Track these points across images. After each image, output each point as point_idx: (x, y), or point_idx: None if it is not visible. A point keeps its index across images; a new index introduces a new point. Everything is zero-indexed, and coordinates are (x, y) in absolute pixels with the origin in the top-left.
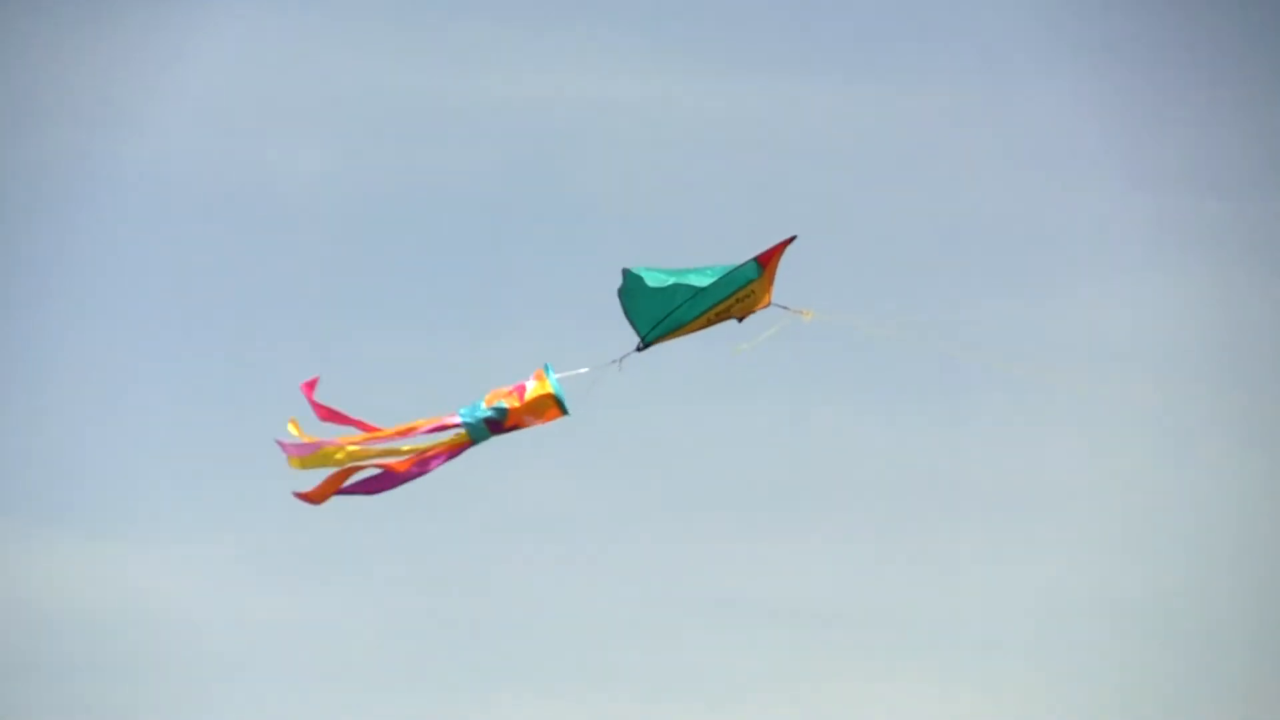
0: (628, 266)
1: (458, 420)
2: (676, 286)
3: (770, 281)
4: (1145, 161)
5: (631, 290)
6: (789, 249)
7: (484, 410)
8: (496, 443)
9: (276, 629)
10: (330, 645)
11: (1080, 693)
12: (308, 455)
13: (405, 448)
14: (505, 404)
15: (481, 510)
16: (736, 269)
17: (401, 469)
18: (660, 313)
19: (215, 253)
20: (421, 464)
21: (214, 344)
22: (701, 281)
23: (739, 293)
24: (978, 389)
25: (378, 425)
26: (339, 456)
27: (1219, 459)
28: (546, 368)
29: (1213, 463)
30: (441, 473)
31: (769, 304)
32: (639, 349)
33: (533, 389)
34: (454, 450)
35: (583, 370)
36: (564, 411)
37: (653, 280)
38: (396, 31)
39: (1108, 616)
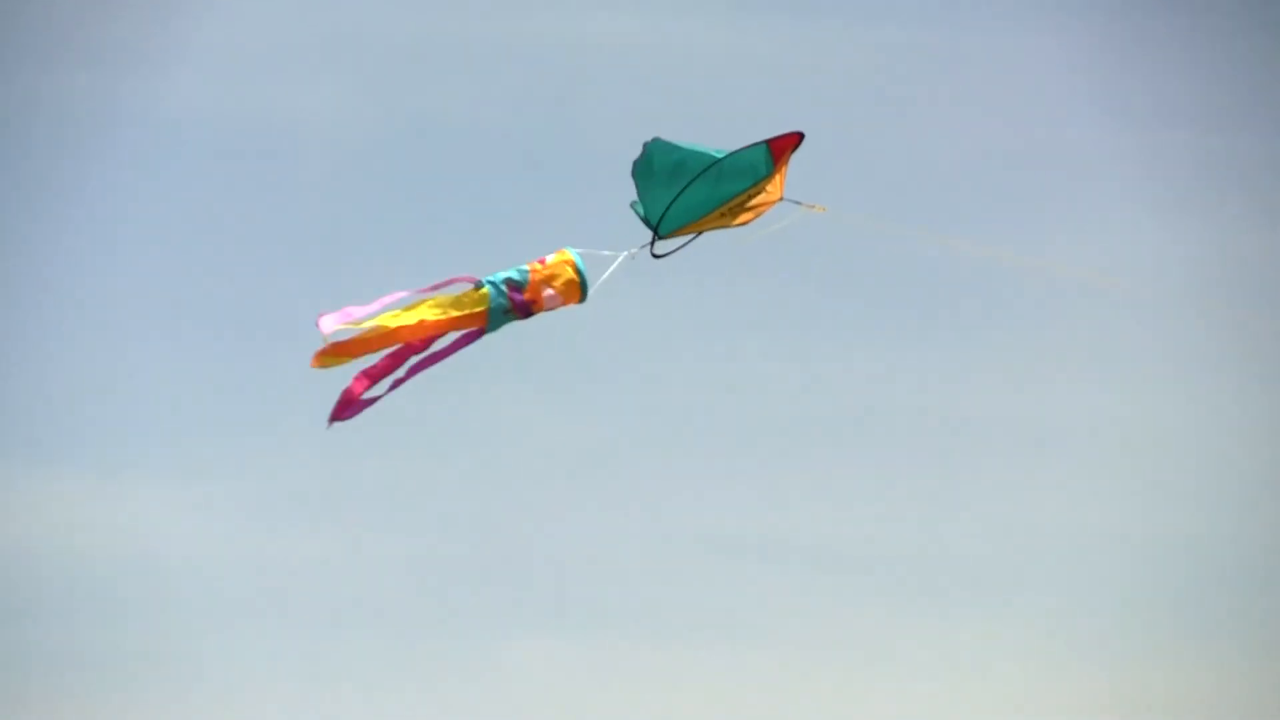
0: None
1: (479, 279)
2: (687, 161)
3: (781, 177)
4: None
5: (644, 168)
6: (797, 154)
7: (505, 271)
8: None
9: (281, 570)
10: (333, 587)
11: (1095, 631)
12: (341, 346)
13: (433, 308)
14: (526, 266)
15: (493, 446)
16: (747, 149)
17: (421, 336)
18: (669, 195)
19: (223, 190)
20: (441, 330)
21: (220, 283)
22: (715, 154)
23: (751, 189)
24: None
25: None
26: (372, 340)
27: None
28: (574, 253)
29: (1227, 393)
30: (449, 405)
31: (781, 199)
32: (652, 248)
33: (553, 258)
34: (468, 329)
35: (607, 252)
36: (583, 290)
37: (663, 156)
38: None
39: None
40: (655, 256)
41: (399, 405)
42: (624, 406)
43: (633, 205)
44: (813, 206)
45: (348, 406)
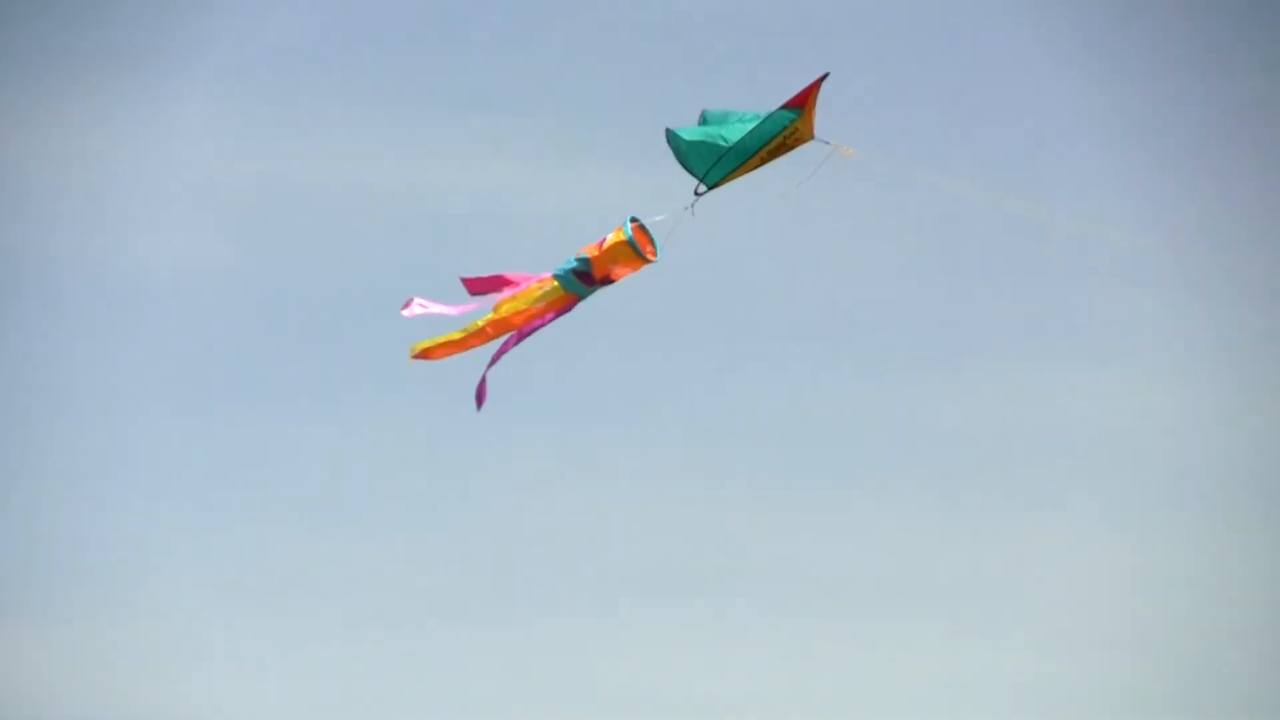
0: (669, 127)
1: (550, 275)
2: (714, 141)
3: (810, 117)
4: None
5: (677, 141)
6: (824, 88)
7: (570, 263)
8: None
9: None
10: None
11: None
12: (441, 342)
13: (518, 304)
14: (587, 254)
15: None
16: (770, 117)
17: (517, 324)
18: (711, 158)
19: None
20: (532, 320)
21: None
22: (735, 135)
23: (784, 132)
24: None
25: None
26: (469, 340)
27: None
28: (626, 221)
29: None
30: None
31: (813, 138)
32: (698, 193)
33: (610, 239)
34: (561, 307)
35: (659, 217)
36: (642, 258)
37: (690, 136)
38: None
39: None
40: (700, 195)
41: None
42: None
43: (676, 155)
44: (841, 148)
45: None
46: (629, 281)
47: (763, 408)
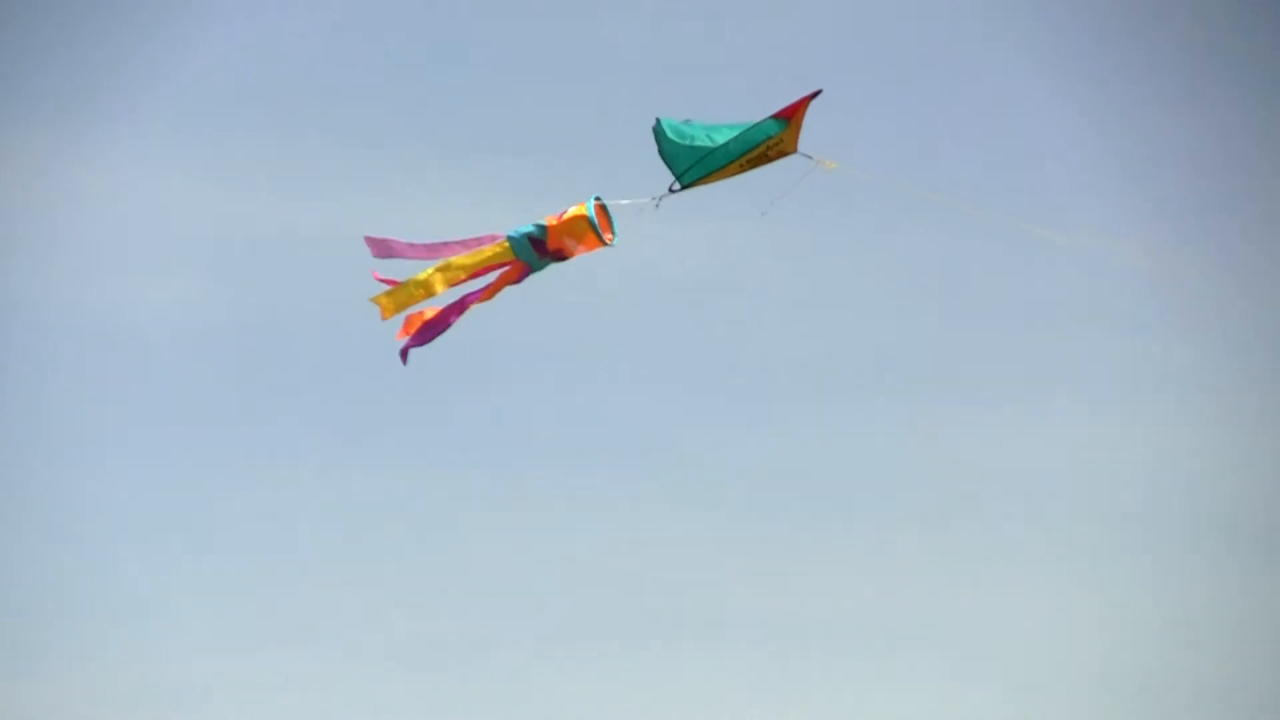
0: (659, 116)
1: (503, 235)
2: (699, 142)
3: (796, 131)
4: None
5: (662, 137)
6: (814, 103)
7: (527, 227)
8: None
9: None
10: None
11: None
12: (393, 292)
13: (466, 260)
14: (544, 221)
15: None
16: (757, 125)
17: (462, 279)
18: (691, 159)
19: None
20: (484, 286)
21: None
22: (722, 138)
23: (767, 142)
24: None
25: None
26: (417, 292)
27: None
28: (590, 199)
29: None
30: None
31: (795, 151)
32: (672, 189)
33: (570, 211)
34: (512, 274)
35: (625, 201)
36: (599, 237)
37: (675, 134)
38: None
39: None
40: (674, 192)
41: None
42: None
43: (655, 138)
44: (824, 161)
45: (419, 335)
46: (603, 306)
47: (729, 443)
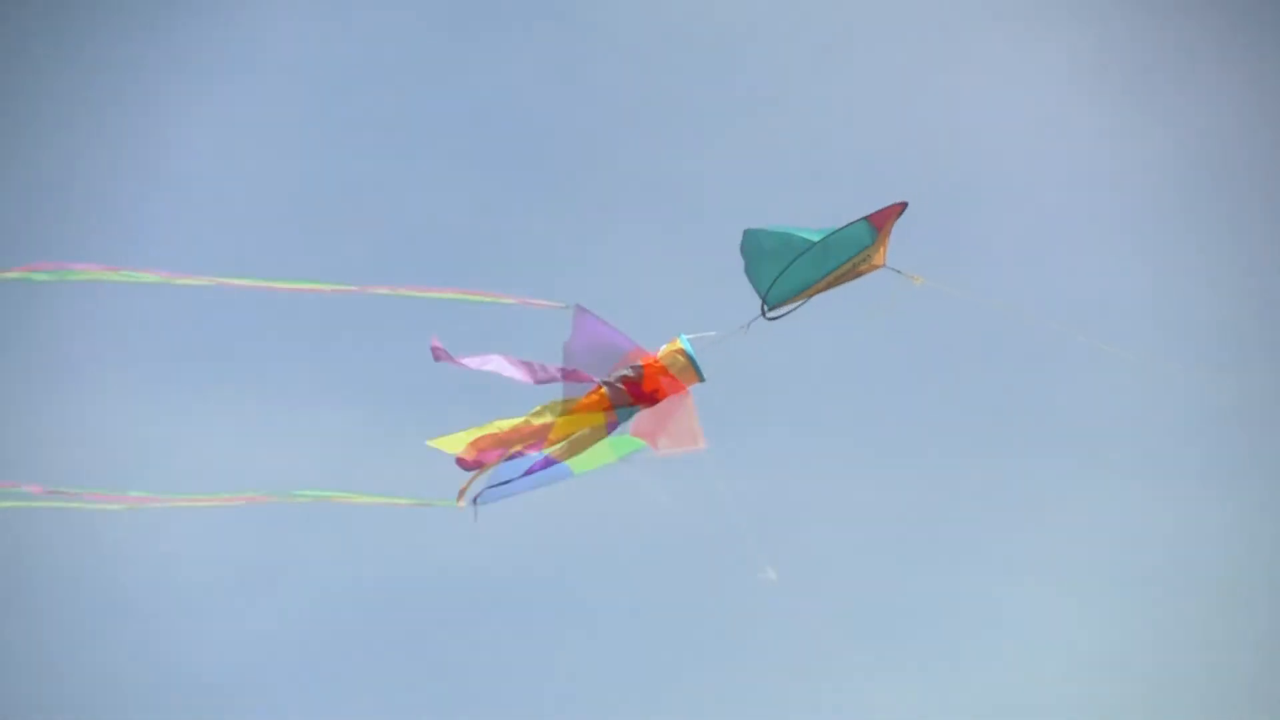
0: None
1: (596, 380)
2: (790, 240)
3: (884, 243)
4: None
5: (750, 249)
6: (903, 216)
7: (622, 370)
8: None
9: None
10: None
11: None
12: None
13: (563, 426)
14: (641, 363)
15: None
16: (848, 226)
17: (554, 440)
18: (777, 269)
19: None
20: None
21: None
22: (814, 237)
23: (856, 257)
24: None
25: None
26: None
27: None
28: (681, 336)
29: None
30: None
31: (883, 265)
32: (764, 315)
33: (664, 349)
34: (597, 434)
35: (711, 334)
36: (698, 374)
37: (765, 240)
38: None
39: None
40: (768, 319)
41: None
42: None
43: (742, 253)
44: (912, 276)
45: (475, 466)
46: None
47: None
